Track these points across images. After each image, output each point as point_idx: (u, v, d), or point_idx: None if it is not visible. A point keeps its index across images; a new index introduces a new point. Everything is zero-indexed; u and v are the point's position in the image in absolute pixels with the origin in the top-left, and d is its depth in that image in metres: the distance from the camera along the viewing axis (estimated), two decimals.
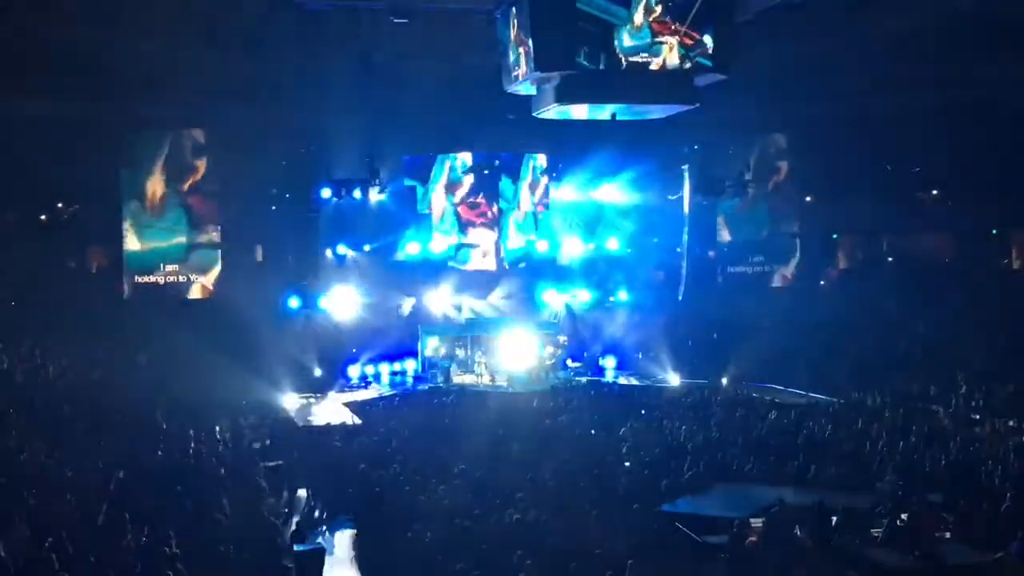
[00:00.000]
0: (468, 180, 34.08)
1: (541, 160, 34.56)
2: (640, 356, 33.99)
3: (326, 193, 32.72)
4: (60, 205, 33.89)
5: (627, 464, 18.32)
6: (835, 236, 40.72)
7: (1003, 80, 31.24)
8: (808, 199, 37.59)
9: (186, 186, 32.14)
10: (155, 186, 31.80)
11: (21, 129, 29.06)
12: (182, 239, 32.29)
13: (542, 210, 35.11)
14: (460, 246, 34.44)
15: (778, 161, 36.33)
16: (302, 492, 18.74)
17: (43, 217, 33.96)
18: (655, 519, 15.03)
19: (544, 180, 34.89)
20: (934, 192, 38.48)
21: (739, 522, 14.36)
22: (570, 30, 16.11)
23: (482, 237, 34.50)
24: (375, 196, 33.22)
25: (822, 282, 39.20)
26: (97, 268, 34.92)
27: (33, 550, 11.93)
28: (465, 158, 33.91)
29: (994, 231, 37.90)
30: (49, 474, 15.73)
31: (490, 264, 34.42)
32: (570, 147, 33.57)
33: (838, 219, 38.56)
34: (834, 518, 14.62)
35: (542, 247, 35.02)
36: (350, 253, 33.59)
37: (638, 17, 16.22)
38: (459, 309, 34.25)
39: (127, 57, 27.38)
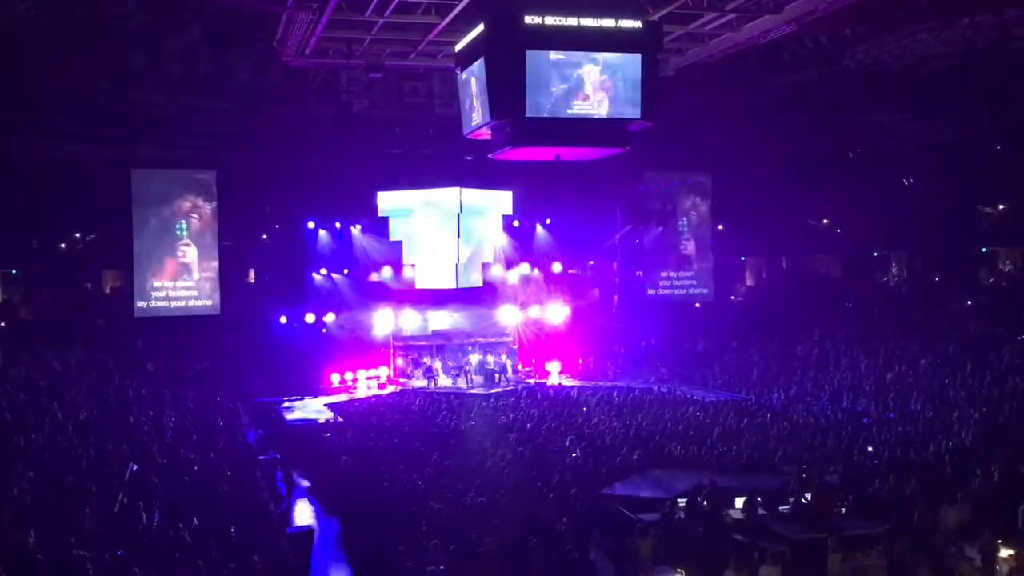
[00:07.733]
0: (432, 212, 33.86)
1: (495, 195, 34.46)
2: (580, 361, 34.01)
3: (311, 224, 33.31)
4: (78, 235, 33.50)
5: (575, 455, 18.24)
6: (743, 258, 41.29)
7: (883, 129, 31.99)
8: (720, 227, 37.98)
9: (189, 217, 31.82)
10: (161, 218, 31.49)
11: (46, 168, 28.80)
12: (186, 263, 31.96)
13: (497, 237, 34.94)
14: (424, 270, 34.22)
15: (695, 195, 36.66)
16: (292, 480, 18.58)
17: (62, 245, 33.55)
18: (597, 501, 15.05)
19: (498, 213, 34.75)
20: (825, 220, 39.21)
21: (669, 502, 14.46)
22: (520, 84, 16.19)
23: (444, 262, 34.29)
24: (353, 227, 33.37)
25: (733, 297, 39.64)
26: (111, 289, 34.62)
27: (65, 537, 11.72)
28: (430, 193, 33.73)
29: (876, 253, 38.71)
30: (72, 465, 15.45)
31: (451, 284, 34.19)
32: (521, 185, 33.53)
33: (746, 243, 39.19)
34: (747, 497, 14.75)
35: (496, 271, 34.89)
36: (332, 276, 33.39)
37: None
38: (425, 323, 33.98)
39: (139, 107, 27.38)
